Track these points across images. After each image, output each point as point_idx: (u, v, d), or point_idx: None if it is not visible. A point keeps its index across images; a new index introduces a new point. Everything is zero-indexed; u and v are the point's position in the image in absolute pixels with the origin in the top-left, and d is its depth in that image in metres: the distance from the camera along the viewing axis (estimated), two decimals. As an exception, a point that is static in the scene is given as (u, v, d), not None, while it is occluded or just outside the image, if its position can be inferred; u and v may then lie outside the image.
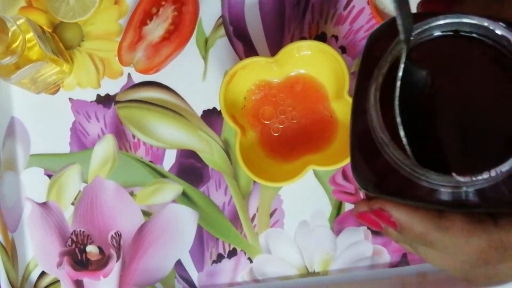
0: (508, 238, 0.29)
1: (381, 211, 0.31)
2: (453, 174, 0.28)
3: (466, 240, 0.30)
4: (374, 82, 0.30)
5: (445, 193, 0.30)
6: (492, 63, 0.30)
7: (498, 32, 0.29)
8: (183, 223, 0.58)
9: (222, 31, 0.59)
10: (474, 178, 0.28)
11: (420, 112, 0.30)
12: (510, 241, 0.29)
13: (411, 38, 0.29)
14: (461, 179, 0.28)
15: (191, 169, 0.58)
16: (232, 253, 0.58)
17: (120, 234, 0.58)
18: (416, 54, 0.30)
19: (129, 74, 0.59)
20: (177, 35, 0.57)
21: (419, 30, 0.30)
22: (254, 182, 0.57)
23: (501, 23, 0.29)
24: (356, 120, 0.32)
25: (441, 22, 0.30)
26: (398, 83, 0.29)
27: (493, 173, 0.28)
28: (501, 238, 0.29)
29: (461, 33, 0.30)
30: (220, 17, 0.59)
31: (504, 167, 0.28)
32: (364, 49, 0.33)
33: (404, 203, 0.31)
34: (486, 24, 0.29)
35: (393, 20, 0.30)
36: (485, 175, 0.28)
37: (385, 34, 0.31)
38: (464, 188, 0.29)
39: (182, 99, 0.59)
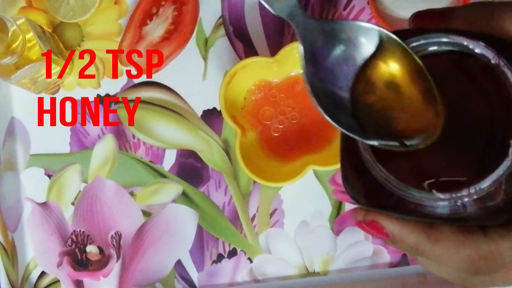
0: (497, 248, 0.30)
1: (374, 223, 0.32)
2: (434, 191, 0.29)
3: (457, 250, 0.30)
4: None
5: (432, 207, 0.30)
6: (475, 78, 0.31)
7: (477, 51, 0.30)
8: (183, 223, 0.58)
9: (222, 31, 0.59)
10: (454, 195, 0.28)
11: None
12: (499, 251, 0.30)
13: None
14: (441, 196, 0.29)
15: (191, 169, 0.58)
16: (232, 253, 0.58)
17: (120, 234, 0.58)
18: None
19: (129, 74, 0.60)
20: (177, 35, 0.57)
21: None
22: (254, 182, 0.57)
23: (481, 42, 0.30)
24: (345, 136, 0.32)
25: (422, 42, 0.30)
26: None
27: (472, 190, 0.28)
28: (491, 248, 0.30)
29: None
30: (220, 17, 0.59)
31: (483, 184, 0.28)
32: None
33: (394, 216, 0.31)
34: (465, 43, 0.30)
35: None
36: (464, 192, 0.28)
37: None
38: (451, 202, 0.30)
39: (182, 99, 0.59)
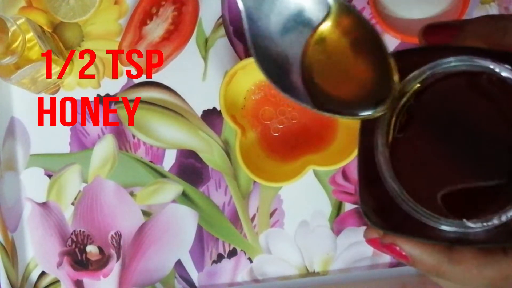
0: None
1: (392, 245, 0.32)
2: (464, 220, 0.29)
3: (478, 271, 0.30)
4: (380, 130, 0.30)
5: (452, 232, 0.30)
6: (498, 99, 0.30)
7: (504, 74, 0.29)
8: (183, 223, 0.58)
9: (222, 31, 0.59)
10: (484, 224, 0.28)
11: (429, 154, 0.30)
12: None
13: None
14: (472, 225, 0.29)
15: (191, 169, 0.58)
16: (232, 253, 0.58)
17: (120, 234, 0.58)
18: (425, 96, 0.30)
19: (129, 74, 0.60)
20: (177, 35, 0.57)
21: (423, 76, 0.30)
22: (254, 182, 0.57)
23: (507, 66, 0.29)
24: (366, 165, 0.31)
25: (446, 65, 0.30)
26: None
27: (503, 218, 0.28)
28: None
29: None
30: (220, 17, 0.59)
31: None
32: None
33: (413, 240, 0.31)
34: (491, 66, 0.29)
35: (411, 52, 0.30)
36: (496, 221, 0.28)
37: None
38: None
39: (182, 99, 0.59)
